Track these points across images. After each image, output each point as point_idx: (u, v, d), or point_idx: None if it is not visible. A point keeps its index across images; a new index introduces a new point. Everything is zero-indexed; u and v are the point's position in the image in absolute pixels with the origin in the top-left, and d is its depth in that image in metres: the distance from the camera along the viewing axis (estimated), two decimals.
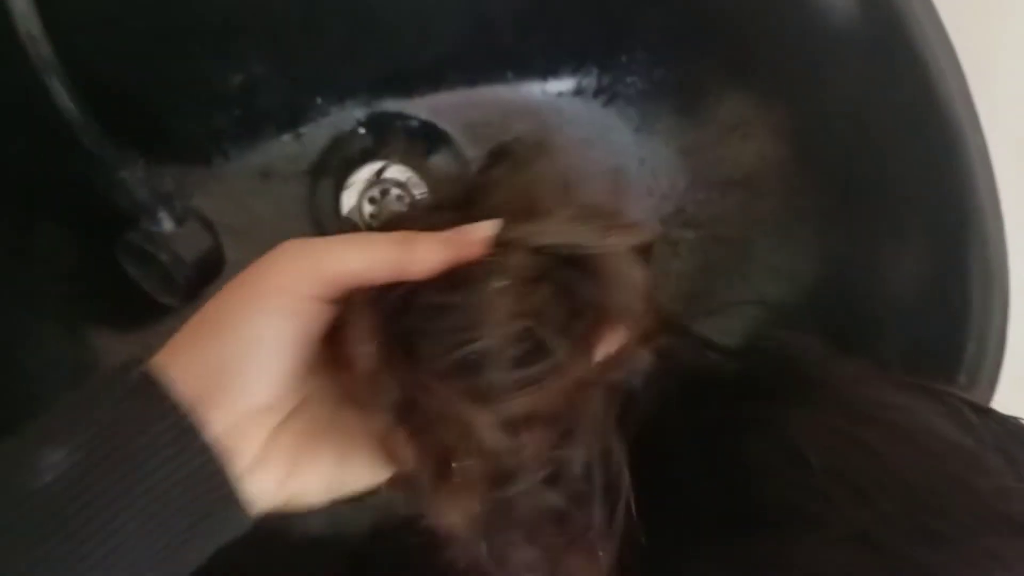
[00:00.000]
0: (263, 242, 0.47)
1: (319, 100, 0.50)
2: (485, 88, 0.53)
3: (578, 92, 0.54)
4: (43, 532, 0.22)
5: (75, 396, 0.24)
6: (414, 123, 0.52)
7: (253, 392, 0.25)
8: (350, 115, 0.50)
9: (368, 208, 0.50)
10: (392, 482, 0.30)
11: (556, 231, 0.28)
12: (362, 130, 0.51)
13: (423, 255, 0.26)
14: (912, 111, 0.48)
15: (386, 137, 0.51)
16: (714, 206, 0.52)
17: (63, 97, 0.35)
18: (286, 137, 0.49)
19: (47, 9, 0.33)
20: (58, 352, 0.41)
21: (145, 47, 0.42)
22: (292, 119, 0.49)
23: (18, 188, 0.39)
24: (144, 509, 0.23)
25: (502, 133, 0.53)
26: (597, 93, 0.54)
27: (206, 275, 0.42)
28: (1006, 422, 0.29)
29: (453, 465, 0.26)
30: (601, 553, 0.29)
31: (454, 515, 0.27)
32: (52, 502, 0.22)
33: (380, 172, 0.51)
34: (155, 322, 0.44)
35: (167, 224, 0.39)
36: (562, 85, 0.55)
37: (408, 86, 0.52)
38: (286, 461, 0.27)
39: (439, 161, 0.52)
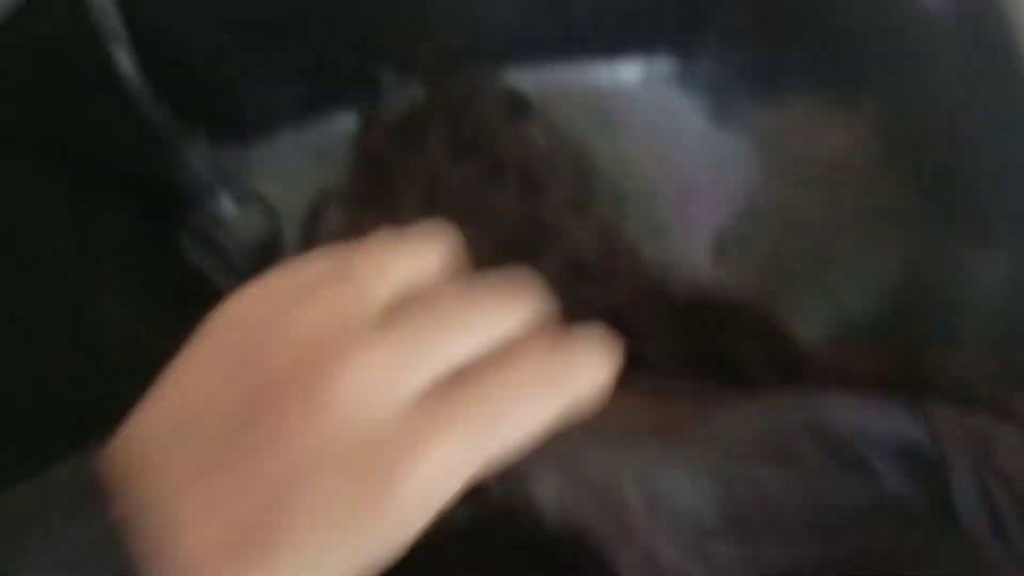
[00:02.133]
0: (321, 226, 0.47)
1: (383, 76, 0.48)
2: (551, 68, 0.51)
3: (648, 76, 0.52)
4: None
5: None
6: None
7: None
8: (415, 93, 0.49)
9: None
10: None
11: None
12: None
13: None
14: (1006, 105, 0.45)
15: None
16: (790, 201, 0.50)
17: (128, 70, 0.35)
18: (348, 115, 0.48)
19: None
20: (127, 332, 0.40)
21: (212, 23, 0.41)
22: (352, 98, 0.48)
23: (86, 169, 0.38)
24: None
25: (568, 115, 0.51)
26: (668, 78, 0.52)
27: (265, 258, 0.41)
28: None
29: None
30: None
31: None
32: None
33: None
34: (214, 303, 0.43)
35: (228, 206, 0.39)
36: (631, 68, 0.52)
37: (473, 64, 0.50)
38: None
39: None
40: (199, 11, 0.41)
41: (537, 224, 0.49)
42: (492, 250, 0.49)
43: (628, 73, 0.52)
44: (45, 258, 0.38)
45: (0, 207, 0.37)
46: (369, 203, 0.45)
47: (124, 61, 0.35)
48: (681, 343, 0.46)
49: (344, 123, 0.47)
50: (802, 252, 0.47)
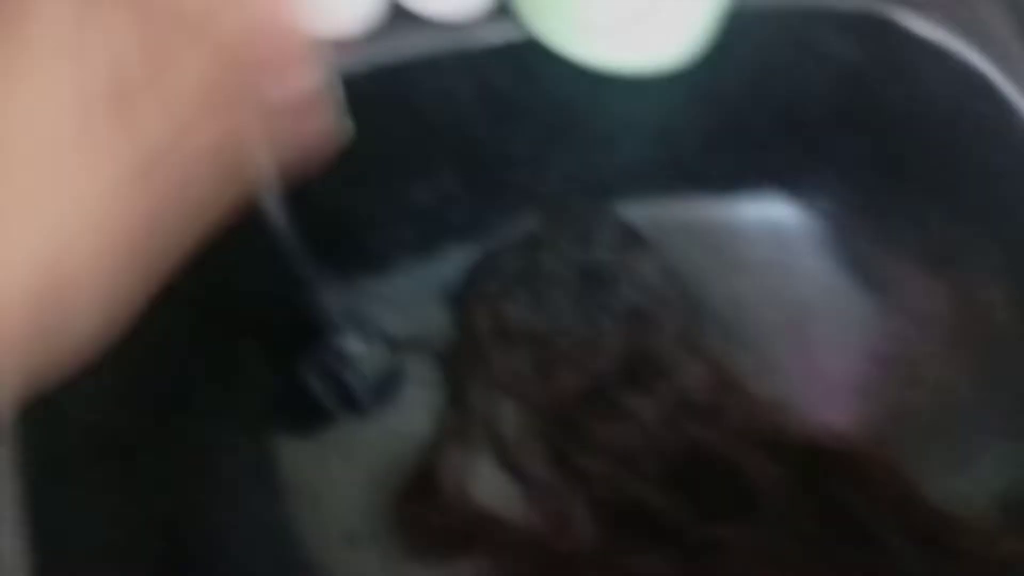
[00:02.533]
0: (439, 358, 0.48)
1: (499, 212, 0.49)
2: (664, 203, 0.52)
3: (761, 212, 0.52)
4: None
5: None
6: None
7: None
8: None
9: None
10: None
11: None
12: None
13: None
14: None
15: None
16: (911, 346, 0.48)
17: (273, 207, 0.36)
18: (464, 251, 0.49)
19: None
20: (245, 456, 0.41)
21: (342, 163, 0.43)
22: (471, 233, 0.49)
23: (226, 305, 0.40)
24: None
25: (682, 250, 0.51)
26: (782, 214, 0.52)
27: (384, 394, 0.42)
28: None
29: None
30: None
31: None
32: None
33: None
34: (329, 434, 0.44)
35: (355, 345, 0.40)
36: (746, 205, 0.52)
37: (587, 198, 0.51)
38: None
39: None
40: (345, 160, 0.42)
41: (646, 358, 0.49)
42: (600, 381, 0.50)
43: (743, 208, 0.52)
44: (171, 385, 0.39)
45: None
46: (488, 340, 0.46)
47: (269, 199, 0.36)
48: (797, 492, 0.44)
49: (464, 257, 0.49)
50: (932, 407, 0.45)
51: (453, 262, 0.48)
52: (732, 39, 0.40)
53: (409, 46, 0.37)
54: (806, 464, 0.45)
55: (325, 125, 0.26)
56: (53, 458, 0.31)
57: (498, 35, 0.37)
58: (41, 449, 0.30)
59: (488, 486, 0.45)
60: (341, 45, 0.37)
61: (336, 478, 0.43)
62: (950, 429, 0.45)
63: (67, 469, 0.32)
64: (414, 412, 0.45)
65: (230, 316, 0.41)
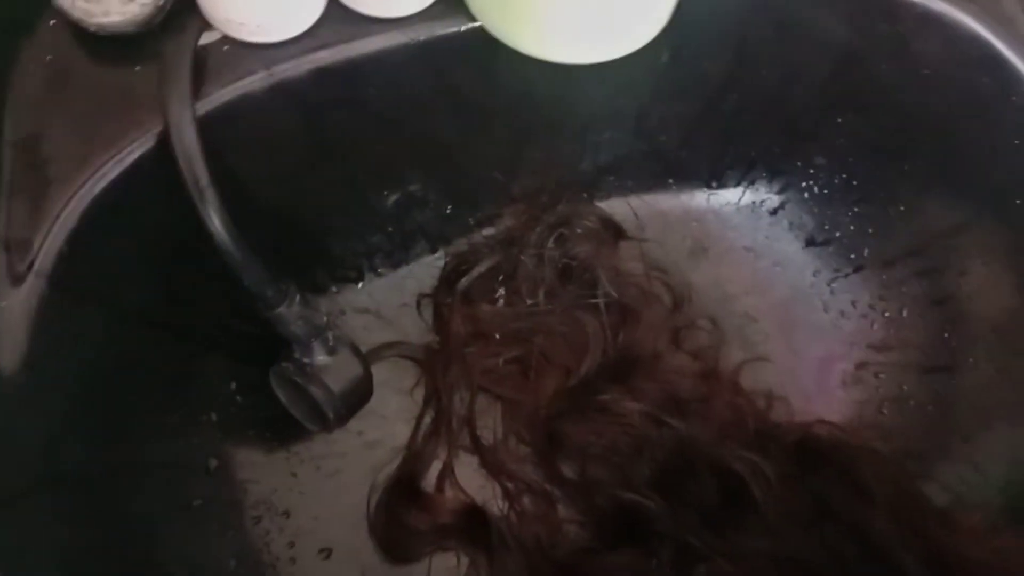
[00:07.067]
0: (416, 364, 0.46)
1: (472, 212, 0.47)
2: (644, 195, 0.50)
3: (745, 199, 0.50)
4: None
5: None
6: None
7: None
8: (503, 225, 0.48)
9: None
10: None
11: None
12: None
13: None
14: None
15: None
16: (907, 330, 0.46)
17: (219, 229, 0.34)
18: (438, 254, 0.47)
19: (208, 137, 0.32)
20: (212, 475, 0.40)
21: (305, 172, 0.40)
22: (444, 235, 0.47)
23: (187, 319, 0.39)
24: None
25: (665, 241, 0.49)
26: (766, 200, 0.50)
27: (353, 404, 0.40)
28: None
29: None
30: None
31: None
32: None
33: None
34: (300, 446, 0.43)
35: (319, 356, 0.38)
36: (728, 192, 0.50)
37: (563, 194, 0.48)
38: None
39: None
40: (294, 165, 0.40)
41: (630, 354, 0.47)
42: (582, 379, 0.48)
43: (727, 196, 0.50)
44: (144, 406, 0.38)
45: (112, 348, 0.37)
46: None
47: (215, 221, 0.34)
48: (788, 491, 0.43)
49: (438, 260, 0.47)
50: (928, 393, 0.43)
51: (426, 266, 0.46)
52: (707, 19, 0.37)
53: (355, 44, 0.34)
54: (797, 460, 0.43)
55: None
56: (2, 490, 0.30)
57: (447, 28, 0.35)
58: None
59: (469, 489, 0.44)
60: (283, 48, 0.34)
61: (308, 492, 0.42)
62: (947, 415, 0.44)
63: (17, 502, 0.31)
64: (389, 421, 0.44)
65: (190, 334, 0.39)
